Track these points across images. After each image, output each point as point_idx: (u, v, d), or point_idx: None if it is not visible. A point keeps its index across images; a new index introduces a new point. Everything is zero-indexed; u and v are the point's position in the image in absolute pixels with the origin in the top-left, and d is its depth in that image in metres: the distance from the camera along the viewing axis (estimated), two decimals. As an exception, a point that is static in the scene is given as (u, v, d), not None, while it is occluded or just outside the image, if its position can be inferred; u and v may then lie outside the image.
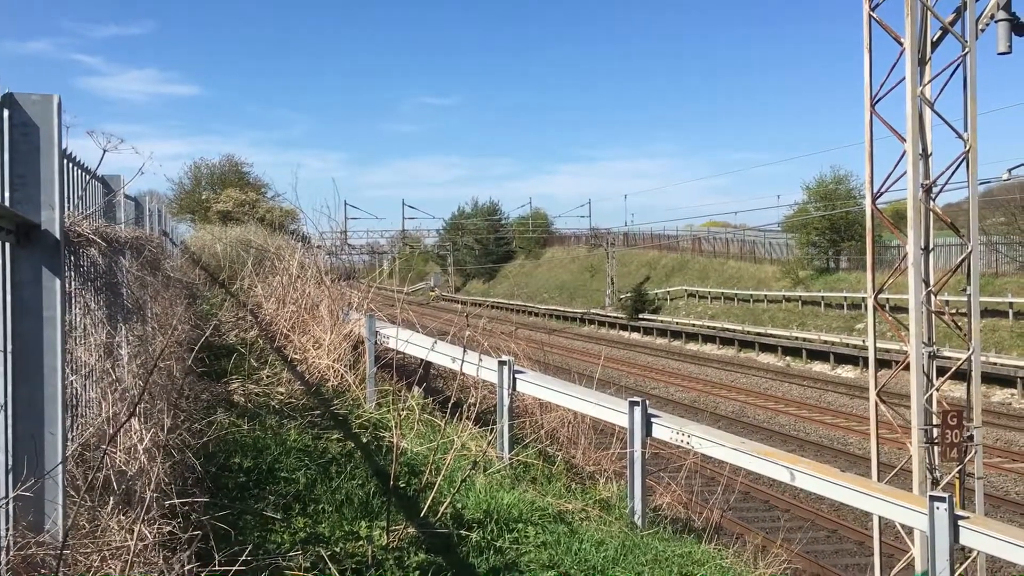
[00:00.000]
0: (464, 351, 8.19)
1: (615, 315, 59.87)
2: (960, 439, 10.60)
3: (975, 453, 10.85)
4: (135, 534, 3.11)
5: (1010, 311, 33.93)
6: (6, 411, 2.83)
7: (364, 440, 7.34)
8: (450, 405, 7.75)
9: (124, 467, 3.68)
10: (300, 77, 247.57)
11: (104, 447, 3.49)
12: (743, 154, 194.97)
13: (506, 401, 7.96)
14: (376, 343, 9.44)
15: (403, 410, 8.12)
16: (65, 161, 3.74)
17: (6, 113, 2.87)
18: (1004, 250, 39.34)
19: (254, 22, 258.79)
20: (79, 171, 4.75)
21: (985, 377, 20.91)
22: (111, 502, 3.36)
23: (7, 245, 2.86)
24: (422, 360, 9.63)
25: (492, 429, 7.73)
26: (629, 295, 59.07)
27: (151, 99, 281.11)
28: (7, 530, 2.77)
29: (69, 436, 3.58)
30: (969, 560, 10.37)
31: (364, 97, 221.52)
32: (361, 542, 4.93)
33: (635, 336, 54.96)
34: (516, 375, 8.14)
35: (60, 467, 2.94)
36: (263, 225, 25.35)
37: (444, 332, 10.37)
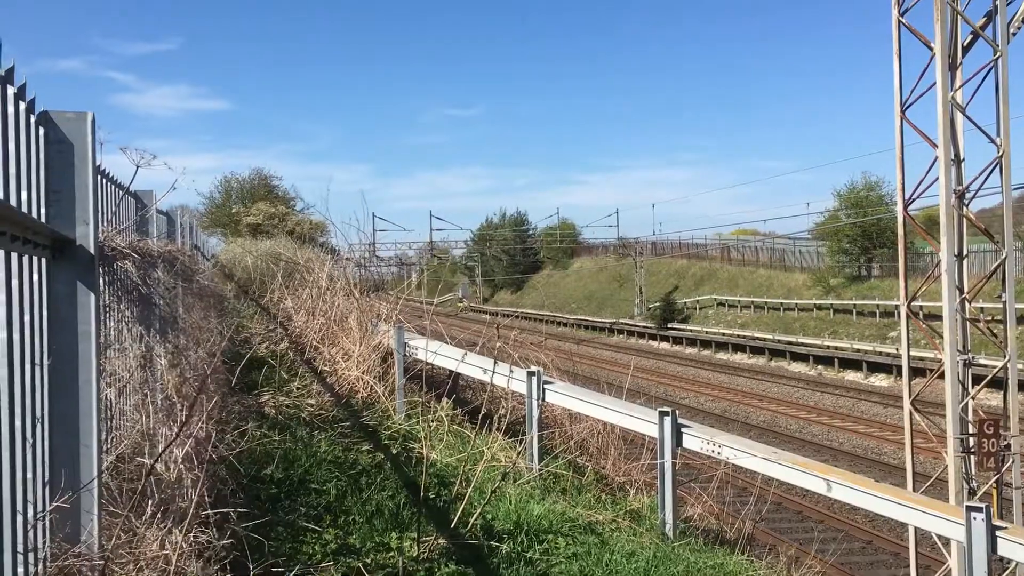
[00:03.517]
0: (494, 362, 8.20)
1: (644, 325, 59.62)
2: (997, 448, 10.44)
3: (1012, 462, 10.68)
4: (171, 544, 3.14)
5: (1047, 318, 33.41)
6: (43, 424, 2.87)
7: (394, 451, 7.36)
8: (480, 416, 7.75)
9: (160, 477, 3.72)
10: (326, 90, 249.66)
11: (151, 462, 3.52)
12: (771, 162, 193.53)
13: (535, 412, 7.95)
14: (405, 354, 9.47)
15: (432, 421, 8.14)
16: (99, 177, 3.80)
17: (42, 131, 2.93)
18: (1040, 256, 38.70)
19: (280, 37, 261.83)
20: (113, 187, 4.83)
21: (1022, 385, 20.58)
22: (147, 512, 3.40)
23: (43, 260, 2.91)
24: (451, 371, 9.64)
25: (521, 440, 7.72)
26: (658, 304, 58.82)
27: (182, 114, 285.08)
28: (45, 542, 2.80)
29: (105, 448, 3.62)
30: (1008, 572, 10.20)
31: (388, 109, 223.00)
32: (392, 553, 4.94)
33: (664, 346, 54.70)
34: (545, 386, 8.13)
35: (96, 479, 2.97)
36: (292, 238, 25.56)
37: (472, 343, 10.38)
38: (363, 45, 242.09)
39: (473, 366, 9.15)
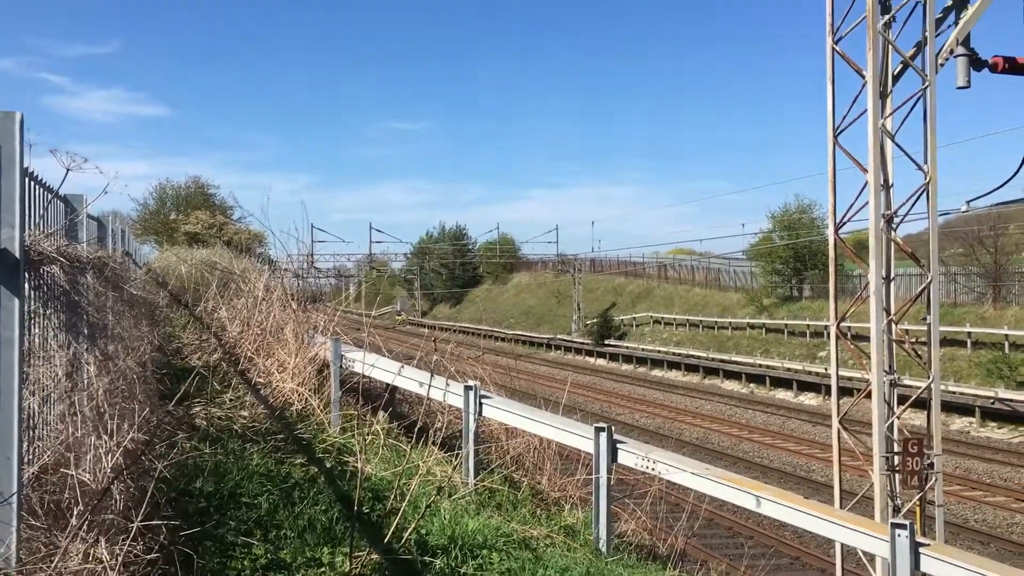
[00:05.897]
0: (431, 376, 8.16)
1: (581, 341, 60.00)
2: (921, 467, 10.71)
3: (935, 480, 10.97)
4: (96, 557, 3.05)
5: (968, 341, 34.53)
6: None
7: (328, 465, 7.26)
8: (416, 430, 7.69)
9: (84, 489, 3.61)
10: (268, 99, 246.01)
11: (77, 472, 3.42)
12: (709, 182, 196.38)
13: (472, 426, 7.93)
14: (341, 367, 9.37)
15: (368, 435, 8.05)
16: (27, 179, 3.69)
17: (-31, 130, 2.84)
18: (962, 281, 40.11)
19: (222, 44, 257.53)
20: (41, 190, 4.69)
21: (944, 405, 21.19)
22: (70, 525, 3.29)
23: (-33, 263, 2.82)
24: (388, 384, 9.57)
25: (458, 454, 7.69)
26: (595, 321, 59.30)
27: (118, 119, 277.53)
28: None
29: (26, 459, 3.50)
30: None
31: (332, 120, 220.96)
32: (323, 568, 4.87)
33: (601, 362, 55.08)
34: (482, 400, 8.12)
35: (15, 492, 2.87)
36: (229, 247, 25.18)
37: (410, 356, 10.32)
38: (308, 56, 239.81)
39: (410, 379, 9.09)
